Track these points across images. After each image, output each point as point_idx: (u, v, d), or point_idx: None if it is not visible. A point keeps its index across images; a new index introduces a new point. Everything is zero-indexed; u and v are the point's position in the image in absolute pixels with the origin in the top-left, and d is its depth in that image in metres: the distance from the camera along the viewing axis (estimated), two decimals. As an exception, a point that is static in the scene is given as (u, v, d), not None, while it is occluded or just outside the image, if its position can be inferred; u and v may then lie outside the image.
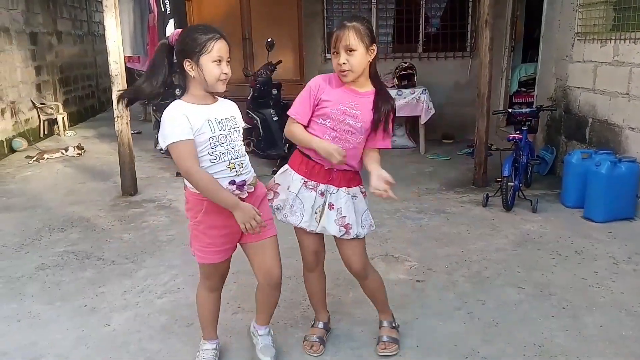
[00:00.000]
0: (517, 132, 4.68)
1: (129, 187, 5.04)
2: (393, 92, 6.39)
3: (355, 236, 2.23)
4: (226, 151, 2.03)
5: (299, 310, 2.85)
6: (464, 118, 7.08)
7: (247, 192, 2.10)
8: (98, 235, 4.03)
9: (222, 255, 2.16)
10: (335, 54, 2.09)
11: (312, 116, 2.18)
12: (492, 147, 6.43)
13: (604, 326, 2.63)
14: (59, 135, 8.37)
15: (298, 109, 2.18)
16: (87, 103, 10.48)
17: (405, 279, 3.21)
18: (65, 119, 8.56)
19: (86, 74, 10.45)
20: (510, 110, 5.06)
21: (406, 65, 6.52)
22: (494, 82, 5.78)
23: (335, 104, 2.13)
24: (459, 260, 3.45)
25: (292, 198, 2.21)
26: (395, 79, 6.48)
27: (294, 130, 2.19)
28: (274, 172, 5.81)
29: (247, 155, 2.16)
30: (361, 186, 2.29)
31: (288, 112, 2.21)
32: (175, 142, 1.91)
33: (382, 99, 2.16)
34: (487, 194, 4.54)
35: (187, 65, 1.97)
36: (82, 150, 6.90)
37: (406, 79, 6.48)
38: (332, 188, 2.20)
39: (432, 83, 6.88)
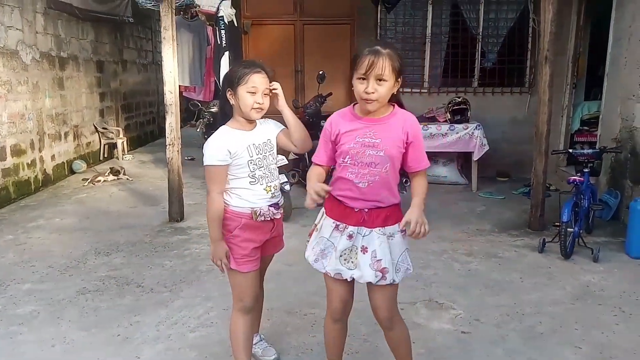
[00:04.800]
0: (579, 174, 4.39)
1: (176, 213, 5.10)
2: (445, 127, 6.23)
3: (391, 282, 2.06)
4: (264, 175, 2.26)
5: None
6: (521, 155, 6.78)
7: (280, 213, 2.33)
8: (141, 261, 4.06)
9: (254, 265, 2.29)
10: (361, 79, 1.95)
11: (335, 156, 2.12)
12: (551, 188, 6.11)
13: (675, 401, 2.33)
14: (118, 159, 8.71)
15: (317, 153, 2.15)
16: (148, 129, 10.89)
17: (449, 329, 3.00)
18: (125, 143, 8.91)
19: (148, 101, 10.89)
20: (571, 150, 4.77)
21: (459, 99, 6.34)
22: (554, 119, 5.50)
23: (351, 138, 2.03)
24: (510, 312, 3.20)
25: (323, 242, 2.11)
26: (448, 113, 6.30)
27: (309, 172, 2.16)
28: (319, 205, 5.80)
29: (279, 178, 2.37)
30: (400, 223, 2.07)
31: (313, 160, 2.17)
32: (208, 165, 2.20)
33: (402, 118, 2.05)
34: (544, 239, 4.25)
35: (229, 94, 2.24)
36: (119, 174, 7.08)
37: (459, 114, 6.28)
38: (365, 230, 2.05)
39: (487, 118, 6.65)
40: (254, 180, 2.23)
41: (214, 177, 2.20)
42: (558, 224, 4.05)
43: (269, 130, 2.34)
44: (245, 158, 2.21)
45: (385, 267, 2.03)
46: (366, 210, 2.05)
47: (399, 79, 1.99)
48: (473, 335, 2.92)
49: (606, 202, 4.98)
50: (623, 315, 3.15)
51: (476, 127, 6.19)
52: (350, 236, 2.06)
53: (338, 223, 2.08)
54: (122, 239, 4.58)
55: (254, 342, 2.63)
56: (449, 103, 6.37)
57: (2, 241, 4.49)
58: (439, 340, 2.86)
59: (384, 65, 1.91)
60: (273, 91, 2.26)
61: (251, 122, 2.28)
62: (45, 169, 6.66)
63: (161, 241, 4.52)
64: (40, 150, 6.54)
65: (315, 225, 2.20)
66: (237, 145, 2.20)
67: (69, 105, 7.42)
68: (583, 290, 3.52)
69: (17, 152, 6.02)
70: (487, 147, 6.24)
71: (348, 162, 2.04)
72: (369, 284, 2.10)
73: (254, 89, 2.16)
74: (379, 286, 2.08)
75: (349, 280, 2.10)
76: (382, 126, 2.03)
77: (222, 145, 2.18)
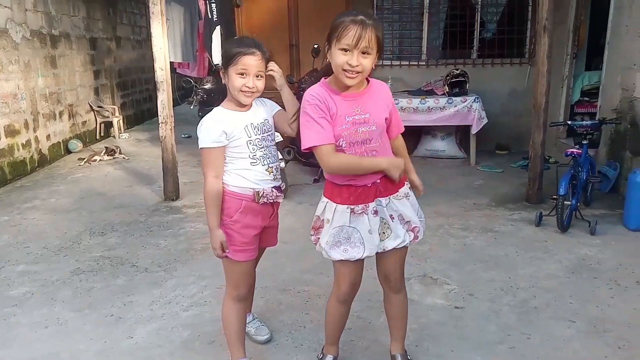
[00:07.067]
0: (577, 146, 4.32)
1: (171, 192, 5.07)
2: (443, 101, 6.14)
3: (421, 237, 2.11)
4: (265, 155, 2.19)
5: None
6: (521, 128, 6.69)
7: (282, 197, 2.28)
8: (135, 240, 4.05)
9: (252, 253, 2.24)
10: (344, 50, 1.82)
11: None
12: (550, 160, 6.05)
13: (667, 374, 2.32)
14: (114, 137, 8.65)
15: (321, 133, 1.89)
16: (144, 106, 10.78)
17: (443, 304, 2.99)
18: (121, 121, 8.83)
19: (144, 78, 10.74)
20: (569, 122, 4.69)
21: (458, 72, 6.23)
22: (554, 91, 5.41)
23: (341, 119, 1.91)
24: (504, 287, 3.18)
25: (345, 231, 1.99)
26: (446, 86, 6.20)
27: (341, 159, 1.93)
28: (315, 181, 5.76)
29: (281, 161, 2.25)
30: (406, 182, 2.14)
31: (313, 143, 1.90)
32: (202, 147, 2.11)
33: (378, 87, 2.03)
34: (541, 213, 4.21)
35: (222, 73, 2.17)
36: (114, 153, 7.03)
37: (457, 87, 6.18)
38: (383, 200, 2.01)
39: (487, 90, 6.56)
40: (255, 161, 2.16)
41: (209, 160, 2.09)
42: (555, 197, 4.01)
43: (265, 110, 2.25)
44: (243, 139, 2.13)
45: (415, 226, 2.08)
46: (378, 180, 1.99)
47: (379, 52, 1.89)
48: (466, 310, 2.92)
49: (605, 174, 4.93)
50: (618, 288, 3.13)
51: (474, 100, 6.10)
52: (375, 212, 2.00)
53: (353, 207, 1.98)
54: (117, 218, 4.56)
55: (247, 321, 2.64)
56: (447, 75, 6.26)
57: (-3, 223, 4.49)
58: (432, 316, 2.85)
59: (371, 38, 1.81)
60: (269, 73, 2.16)
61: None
62: (40, 149, 6.62)
63: (156, 220, 4.50)
64: (34, 130, 6.49)
65: (319, 217, 2.07)
66: (234, 126, 2.11)
67: (63, 84, 7.33)
68: (579, 263, 3.50)
69: (11, 132, 5.97)
70: (485, 120, 6.16)
71: (343, 145, 1.93)
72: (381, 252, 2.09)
73: (244, 71, 2.06)
74: (395, 250, 2.07)
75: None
76: (366, 98, 1.95)
77: (216, 126, 2.09)
